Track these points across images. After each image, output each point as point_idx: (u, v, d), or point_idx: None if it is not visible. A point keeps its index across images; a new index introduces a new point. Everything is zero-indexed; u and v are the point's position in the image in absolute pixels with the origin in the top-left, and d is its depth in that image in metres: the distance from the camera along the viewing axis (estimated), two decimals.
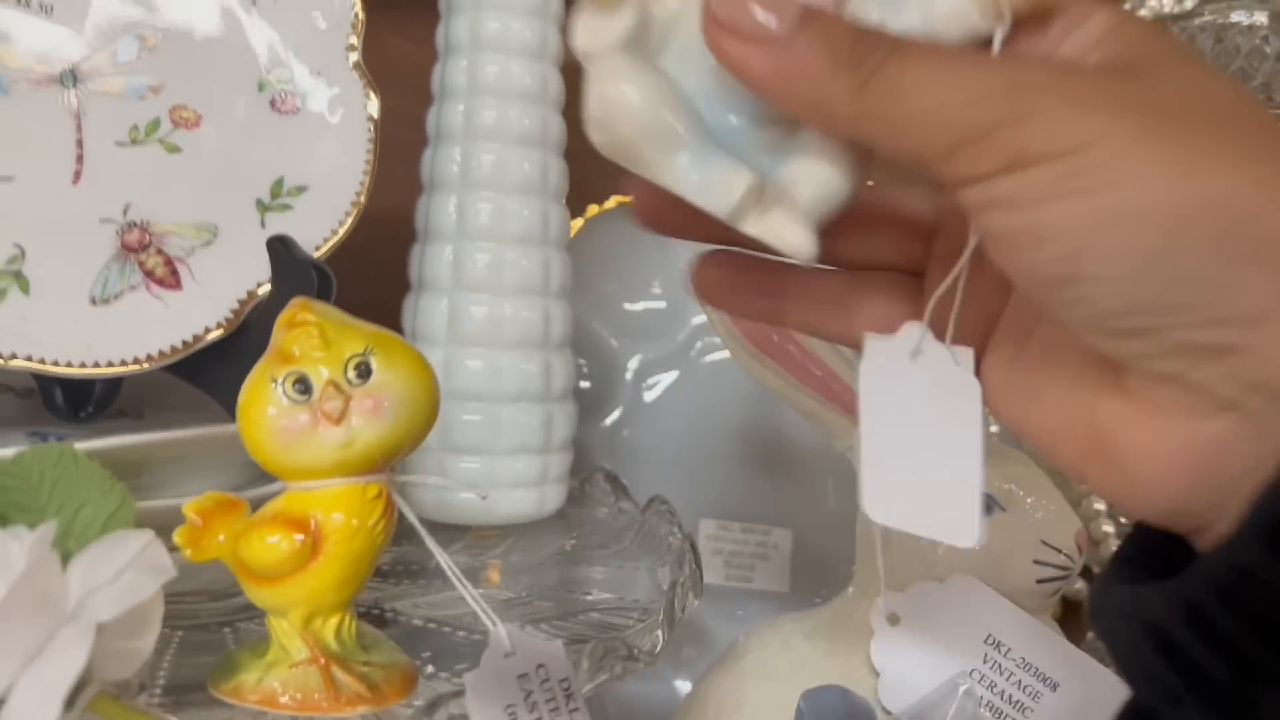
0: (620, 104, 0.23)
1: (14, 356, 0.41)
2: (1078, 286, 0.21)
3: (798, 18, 0.22)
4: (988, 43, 0.23)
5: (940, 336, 0.26)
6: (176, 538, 0.29)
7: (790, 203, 0.23)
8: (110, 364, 0.43)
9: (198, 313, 0.45)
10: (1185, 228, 0.19)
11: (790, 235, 0.23)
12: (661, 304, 0.66)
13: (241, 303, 0.46)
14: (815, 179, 0.23)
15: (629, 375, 0.66)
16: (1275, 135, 0.21)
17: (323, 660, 0.29)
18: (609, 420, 0.66)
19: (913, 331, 0.27)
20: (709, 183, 0.23)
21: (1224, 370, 0.20)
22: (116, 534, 0.26)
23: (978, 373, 0.27)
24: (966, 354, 0.26)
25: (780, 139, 0.24)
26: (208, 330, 0.45)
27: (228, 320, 0.45)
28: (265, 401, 0.29)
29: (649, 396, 0.66)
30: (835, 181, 0.23)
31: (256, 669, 0.30)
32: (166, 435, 0.42)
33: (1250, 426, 0.20)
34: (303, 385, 0.28)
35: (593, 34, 0.23)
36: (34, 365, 0.42)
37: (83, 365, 0.42)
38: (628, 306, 0.66)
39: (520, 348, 0.52)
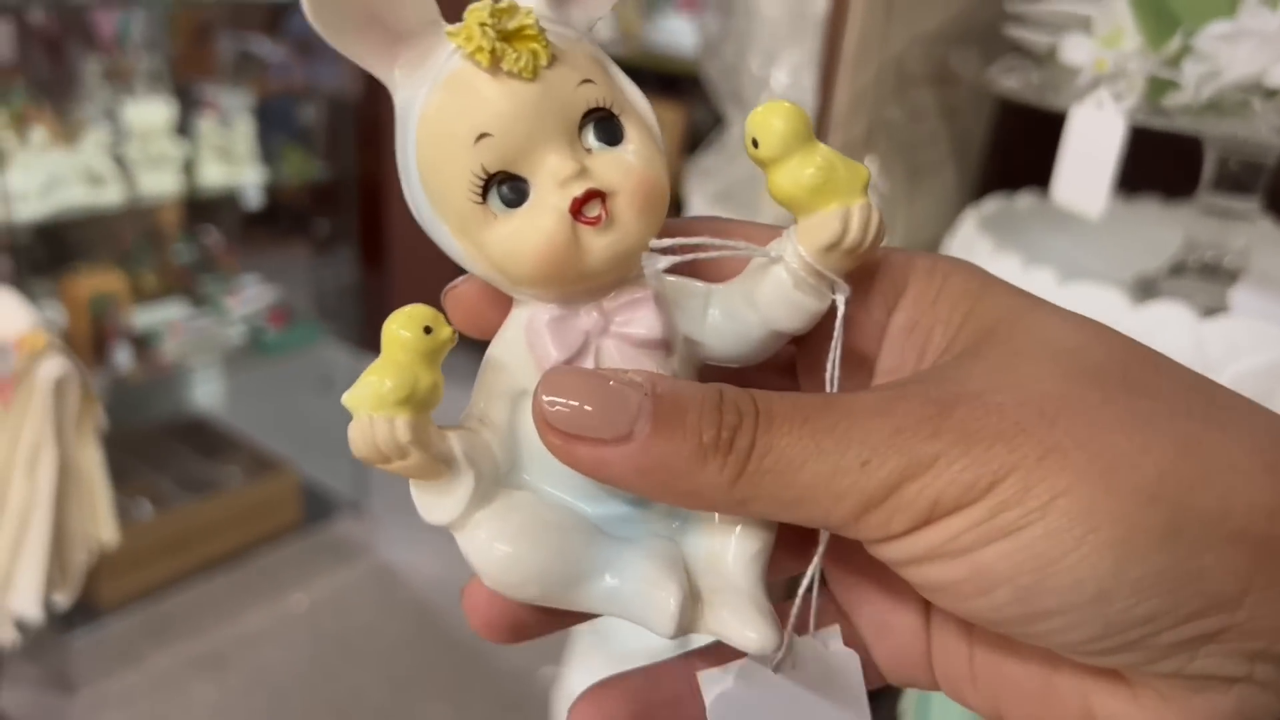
0: (505, 565, 0.22)
1: None
2: (1042, 622, 0.19)
3: (643, 408, 0.19)
4: (830, 312, 0.22)
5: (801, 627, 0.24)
6: None
7: (733, 593, 0.22)
8: None
9: None
10: (1133, 535, 0.18)
11: (751, 634, 0.21)
12: None
13: None
14: (741, 552, 0.22)
15: None
16: (1163, 374, 0.20)
17: None
18: None
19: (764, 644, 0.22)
20: (641, 606, 0.22)
21: (1222, 651, 0.19)
22: None
23: (928, 652, 0.24)
24: (833, 633, 0.24)
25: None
26: None
27: None
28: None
29: None
30: (759, 539, 0.23)
31: None
32: None
33: (1264, 691, 0.19)
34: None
35: (436, 511, 0.22)
36: None
37: None
38: None
39: None
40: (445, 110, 0.21)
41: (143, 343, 1.75)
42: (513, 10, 0.21)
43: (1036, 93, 0.62)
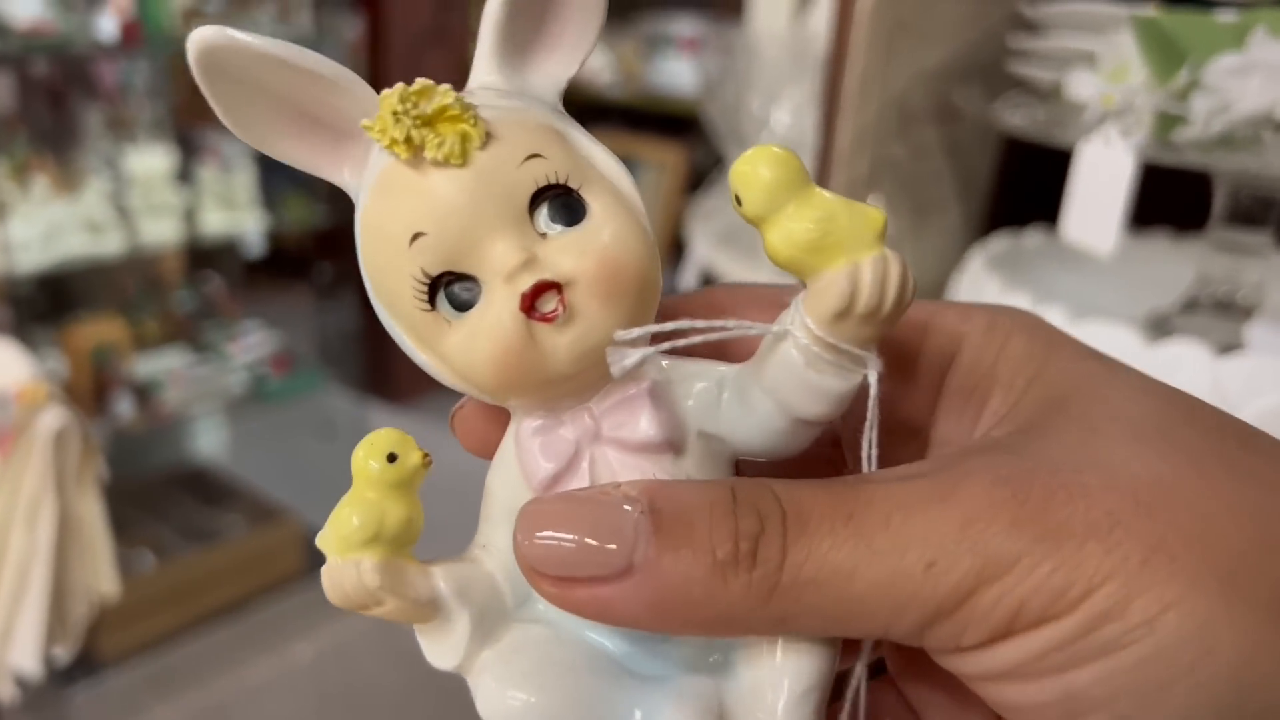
0: (514, 714, 0.19)
1: None
2: None
3: (641, 529, 0.16)
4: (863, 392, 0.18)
5: None
6: None
7: None
8: None
9: None
10: (1258, 656, 0.15)
11: None
12: None
13: None
14: (792, 691, 0.19)
15: None
16: (1259, 449, 0.17)
17: None
18: None
19: None
20: None
21: None
22: None
23: None
24: None
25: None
26: None
27: None
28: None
29: None
30: (812, 670, 0.19)
31: None
32: None
33: None
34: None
35: (436, 656, 0.20)
36: None
37: None
38: None
39: None
40: (378, 212, 0.19)
41: (144, 392, 1.74)
42: (428, 92, 0.18)
43: (1042, 129, 0.61)
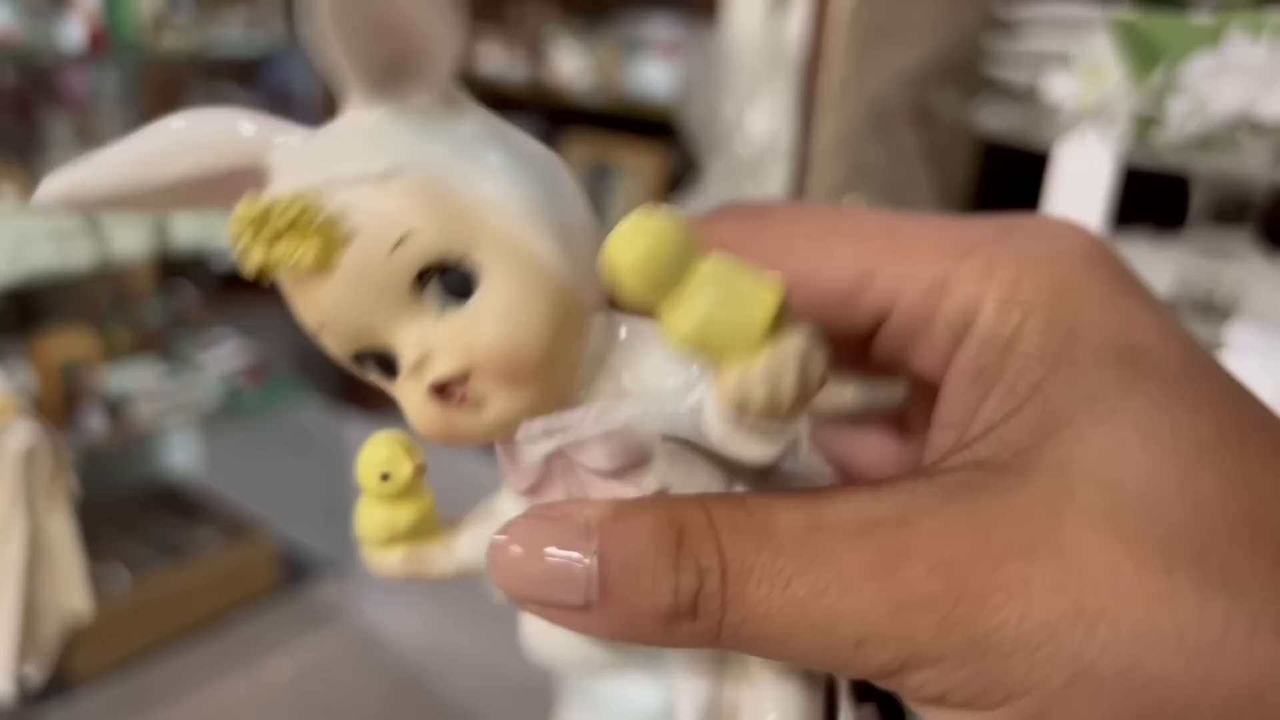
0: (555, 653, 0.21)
1: None
2: None
3: (590, 575, 0.17)
4: None
5: None
6: None
7: None
8: None
9: None
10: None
11: None
12: None
13: None
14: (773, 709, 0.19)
15: None
16: (1259, 547, 0.15)
17: None
18: None
19: None
20: None
21: None
22: None
23: None
24: None
25: None
26: None
27: None
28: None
29: None
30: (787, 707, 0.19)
31: None
32: None
33: None
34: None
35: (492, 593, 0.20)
36: None
37: None
38: None
39: None
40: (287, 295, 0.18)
41: (115, 406, 1.72)
42: (274, 209, 0.17)
43: (1018, 131, 0.61)
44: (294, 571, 1.96)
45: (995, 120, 0.62)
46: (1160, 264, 0.67)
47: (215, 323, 1.98)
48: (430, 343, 0.17)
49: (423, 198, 0.17)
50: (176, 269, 1.97)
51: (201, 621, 1.81)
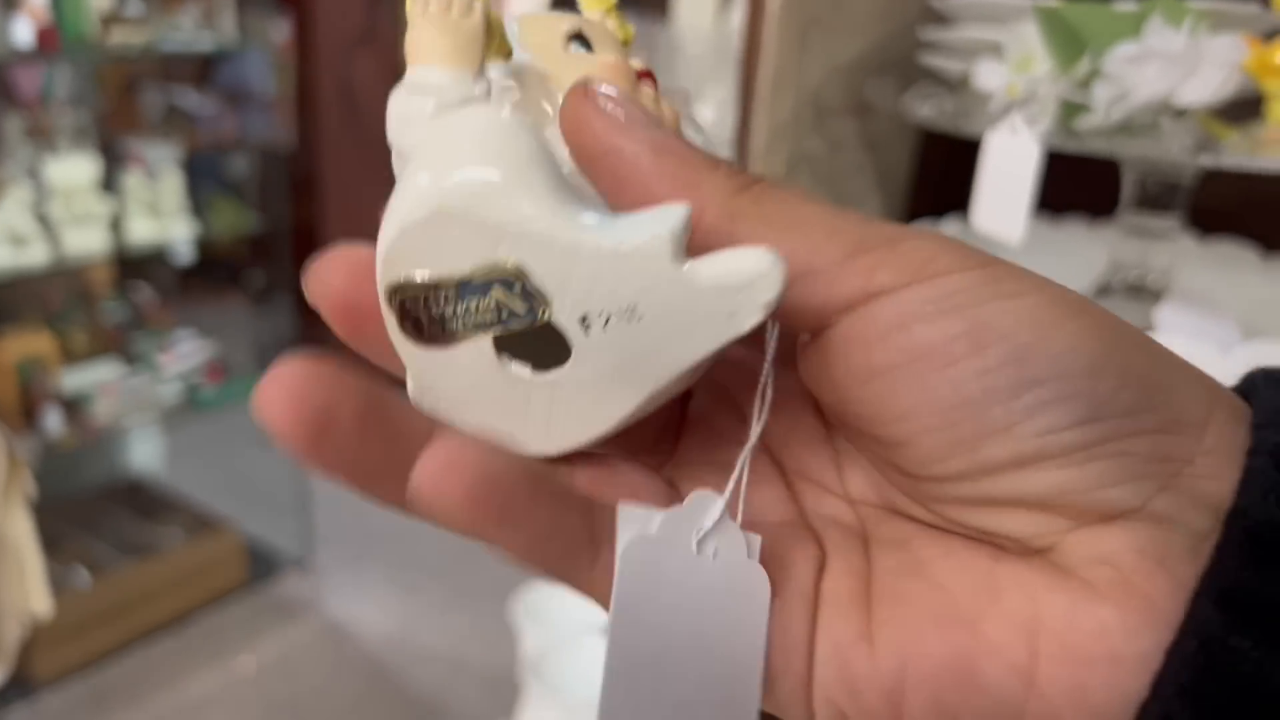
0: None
1: None
2: (1029, 392, 0.18)
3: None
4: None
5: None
6: None
7: None
8: None
9: None
10: (1120, 332, 0.18)
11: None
12: None
13: None
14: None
15: None
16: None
17: None
18: None
19: (702, 505, 0.20)
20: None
21: (1183, 495, 0.18)
22: None
23: (814, 596, 0.20)
24: (756, 542, 0.20)
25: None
26: None
27: None
28: None
29: None
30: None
31: None
32: None
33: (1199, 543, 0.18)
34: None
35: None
36: None
37: None
38: None
39: None
40: None
41: (74, 406, 1.70)
42: None
43: (951, 120, 0.62)
44: (259, 567, 1.96)
45: (929, 109, 0.63)
46: (1095, 249, 0.68)
47: (174, 321, 1.96)
48: None
49: None
50: (133, 269, 1.95)
51: (167, 619, 1.80)
